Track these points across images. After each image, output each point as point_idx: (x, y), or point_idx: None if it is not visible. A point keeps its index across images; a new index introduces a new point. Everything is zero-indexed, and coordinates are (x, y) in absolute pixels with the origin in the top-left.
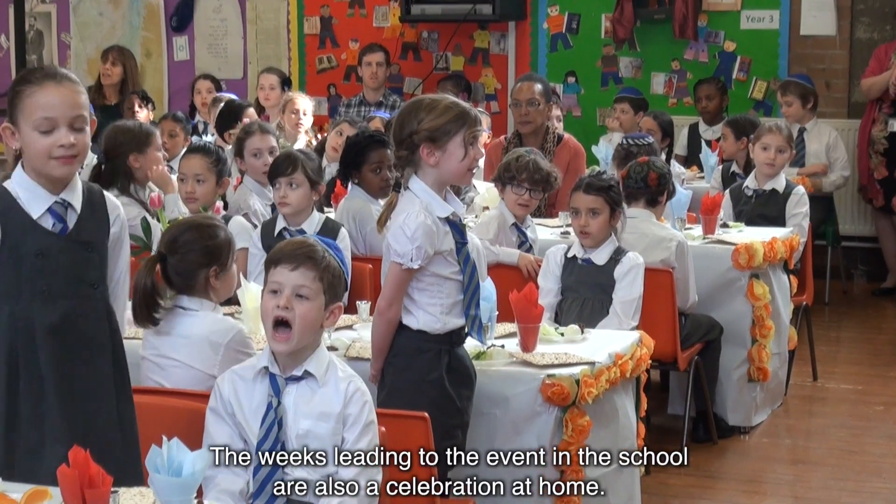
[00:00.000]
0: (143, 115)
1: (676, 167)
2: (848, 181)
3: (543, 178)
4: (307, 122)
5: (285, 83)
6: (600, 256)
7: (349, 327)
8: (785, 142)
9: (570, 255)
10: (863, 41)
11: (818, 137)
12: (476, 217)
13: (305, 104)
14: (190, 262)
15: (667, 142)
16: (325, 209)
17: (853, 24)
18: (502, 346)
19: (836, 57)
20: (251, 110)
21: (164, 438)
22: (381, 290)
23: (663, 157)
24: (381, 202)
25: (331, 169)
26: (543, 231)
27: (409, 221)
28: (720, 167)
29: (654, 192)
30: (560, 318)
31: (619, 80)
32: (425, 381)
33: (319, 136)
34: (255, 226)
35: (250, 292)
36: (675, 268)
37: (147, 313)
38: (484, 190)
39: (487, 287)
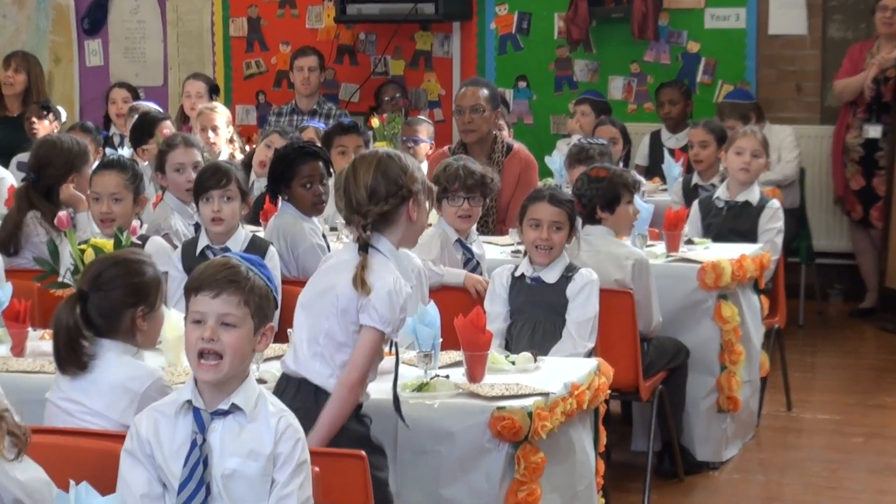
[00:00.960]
0: (43, 127)
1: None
2: (793, 184)
3: (478, 181)
4: (221, 138)
5: (213, 91)
6: (551, 274)
7: (279, 358)
8: (760, 146)
9: (517, 273)
10: (836, 40)
11: (778, 143)
12: None
13: (219, 119)
14: (114, 300)
15: (626, 148)
16: (252, 227)
17: (825, 23)
18: (447, 377)
19: (808, 58)
20: (167, 122)
21: (72, 483)
22: (352, 362)
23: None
24: (315, 220)
25: (259, 184)
26: (492, 250)
27: (398, 288)
28: (681, 179)
29: (605, 200)
30: (510, 345)
31: (575, 85)
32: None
33: (247, 147)
34: (176, 246)
35: (171, 320)
36: (633, 289)
37: (75, 357)
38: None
39: (430, 312)
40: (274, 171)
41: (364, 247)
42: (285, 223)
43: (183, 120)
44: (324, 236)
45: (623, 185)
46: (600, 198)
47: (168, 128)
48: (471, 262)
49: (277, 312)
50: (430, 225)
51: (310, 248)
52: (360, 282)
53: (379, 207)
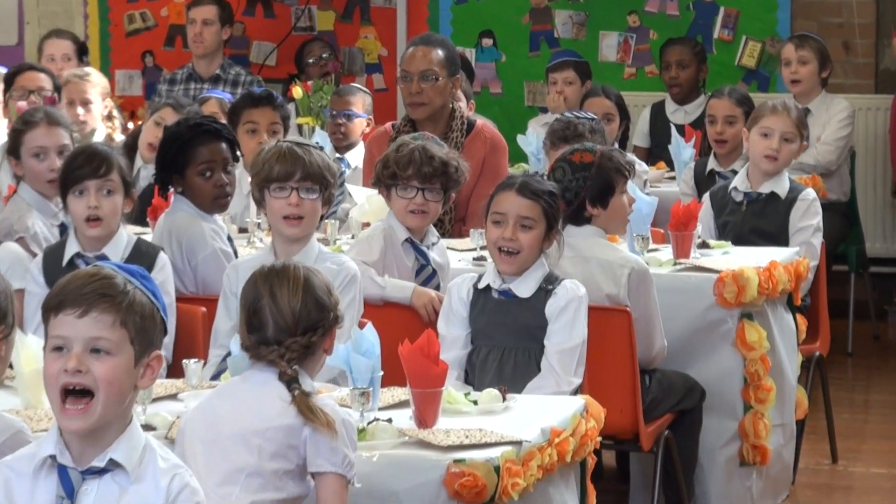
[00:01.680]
0: None
1: (636, 164)
2: (837, 171)
3: (438, 168)
4: (95, 113)
5: (82, 52)
6: (524, 287)
7: (173, 396)
8: (794, 126)
9: (480, 285)
10: None
11: (827, 119)
12: (353, 237)
13: (92, 90)
14: None
15: (623, 126)
16: (137, 229)
17: None
18: (388, 421)
19: (860, 7)
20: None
21: None
22: None
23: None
24: (218, 218)
25: (147, 173)
26: (450, 256)
27: (347, 418)
28: (692, 164)
29: (597, 192)
30: (472, 379)
31: (555, 43)
32: None
33: (131, 125)
34: (35, 255)
35: (28, 349)
36: (630, 306)
37: None
38: (363, 199)
39: (367, 337)
40: (164, 155)
41: (291, 383)
42: (179, 223)
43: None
44: (229, 239)
45: (616, 170)
46: (589, 190)
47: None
48: (424, 271)
49: (169, 339)
50: (368, 225)
51: (211, 256)
52: (324, 422)
53: (307, 338)
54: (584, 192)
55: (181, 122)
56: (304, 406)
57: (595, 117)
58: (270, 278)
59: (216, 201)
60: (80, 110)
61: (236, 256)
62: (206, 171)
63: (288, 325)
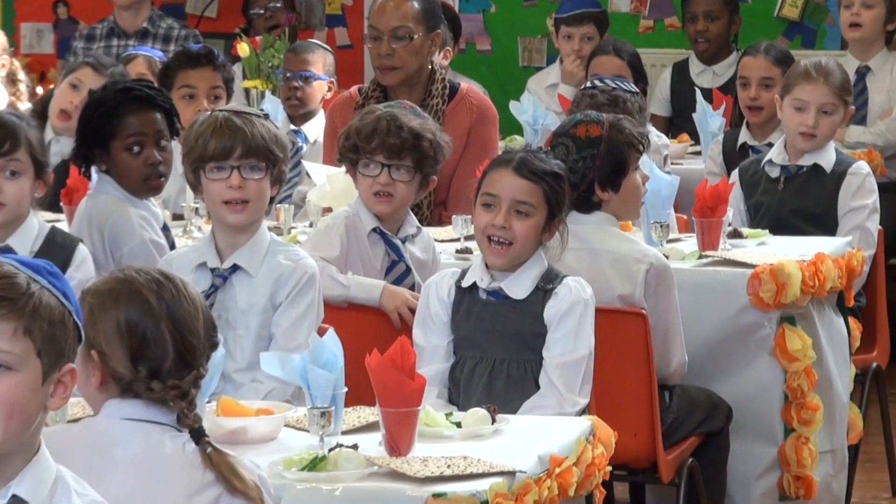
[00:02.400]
0: None
1: (654, 136)
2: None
3: (407, 141)
4: None
5: None
6: (519, 285)
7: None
8: (834, 96)
9: (465, 283)
10: None
11: (892, 83)
12: (311, 226)
13: None
14: None
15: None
16: (49, 216)
17: None
18: (354, 447)
19: None
20: None
21: None
22: None
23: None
24: (151, 204)
25: (60, 147)
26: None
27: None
28: (722, 136)
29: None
30: (456, 396)
31: None
32: None
33: (40, 89)
34: None
35: None
36: (646, 309)
37: None
38: (323, 179)
39: (328, 346)
40: (85, 125)
41: (202, 431)
42: (101, 208)
43: None
44: (165, 229)
45: (628, 144)
46: (598, 170)
47: None
48: (396, 269)
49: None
50: (329, 210)
51: (139, 248)
52: (254, 494)
53: (204, 370)
54: (592, 172)
55: (106, 86)
56: (225, 469)
57: (637, 90)
58: (164, 294)
59: (147, 183)
60: None
61: (171, 247)
62: (135, 146)
63: (193, 354)
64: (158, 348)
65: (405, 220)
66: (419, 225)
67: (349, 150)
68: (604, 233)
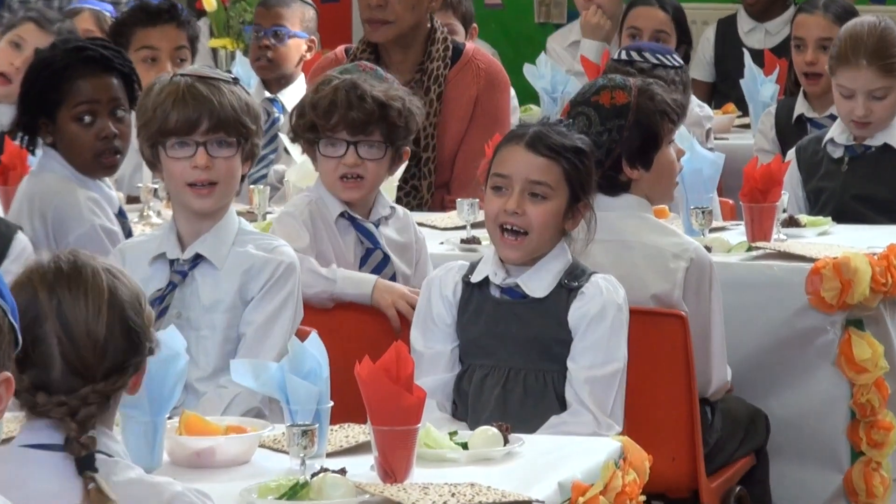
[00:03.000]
0: None
1: (694, 107)
2: None
3: (373, 112)
4: None
5: None
6: (538, 282)
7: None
8: (883, 77)
9: (475, 279)
10: None
11: None
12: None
13: None
14: None
15: (682, 50)
16: None
17: None
18: (341, 472)
19: None
20: None
21: None
22: None
23: None
24: (106, 185)
25: None
26: (429, 238)
27: None
28: (774, 106)
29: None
30: (462, 412)
31: None
32: None
33: None
34: None
35: None
36: (687, 312)
37: None
38: (302, 155)
39: (310, 352)
40: (28, 89)
41: (88, 462)
42: (45, 188)
43: None
44: (121, 214)
45: (661, 113)
46: (626, 144)
47: None
48: (372, 257)
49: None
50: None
51: (87, 235)
52: None
53: (111, 384)
54: (618, 147)
55: (57, 44)
56: None
57: (682, 64)
58: (58, 287)
59: (99, 159)
60: None
61: (126, 236)
62: (87, 115)
63: (85, 365)
64: (41, 353)
65: (376, 200)
66: (393, 204)
67: (305, 128)
68: (635, 220)
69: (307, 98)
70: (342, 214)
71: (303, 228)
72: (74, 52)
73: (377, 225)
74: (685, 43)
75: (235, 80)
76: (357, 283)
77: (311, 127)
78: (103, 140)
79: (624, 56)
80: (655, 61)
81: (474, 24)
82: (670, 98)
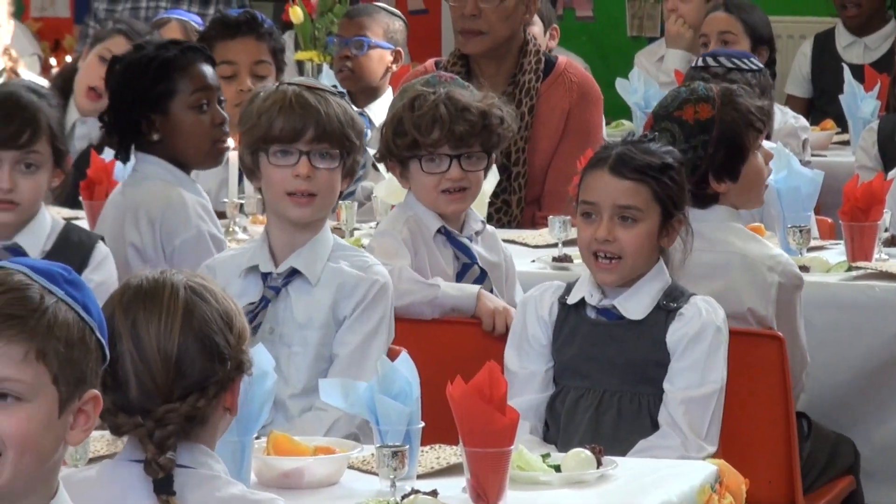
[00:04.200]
0: None
1: (789, 119)
2: None
3: (477, 123)
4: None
5: None
6: (636, 304)
7: (112, 458)
8: None
9: (571, 300)
10: None
11: None
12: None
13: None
14: None
15: (762, 57)
16: (65, 212)
17: None
18: (433, 494)
19: None
20: None
21: None
22: None
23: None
24: (202, 191)
25: (85, 129)
26: (520, 256)
27: None
28: (876, 123)
29: (725, 162)
30: (554, 434)
31: None
32: None
33: (54, 63)
34: None
35: None
36: (775, 328)
37: None
38: (389, 174)
39: (401, 371)
40: (129, 91)
41: (166, 484)
42: (150, 195)
43: None
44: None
45: (745, 123)
46: (712, 159)
47: None
48: (470, 272)
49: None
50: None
51: (194, 240)
52: None
53: (190, 405)
54: (704, 163)
55: (145, 44)
56: None
57: (761, 66)
58: (133, 306)
59: (216, 146)
60: None
61: (224, 245)
62: (203, 102)
63: (157, 384)
64: (119, 374)
65: (468, 214)
66: (483, 219)
67: (405, 146)
68: (727, 230)
69: (403, 116)
70: (439, 230)
71: (403, 247)
72: (176, 44)
73: (470, 240)
74: (766, 49)
75: (342, 94)
76: (461, 288)
77: (411, 144)
78: (218, 127)
79: (700, 63)
80: (731, 65)
81: (554, 25)
82: (754, 105)
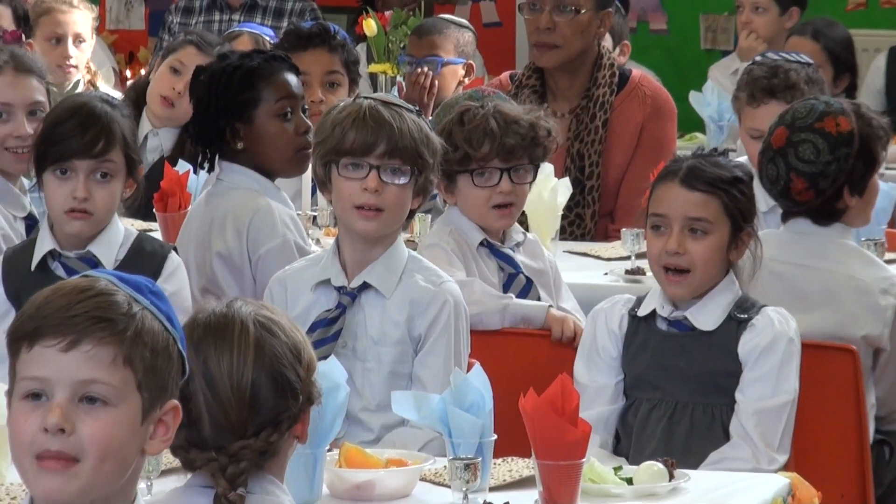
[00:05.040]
0: None
1: None
2: None
3: (527, 136)
4: (85, 54)
5: None
6: (707, 315)
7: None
8: None
9: (641, 312)
10: None
11: None
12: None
13: (79, 20)
14: None
15: (843, 83)
16: (139, 224)
17: None
18: None
19: None
20: None
21: None
22: None
23: None
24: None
25: (157, 141)
26: (592, 268)
27: None
28: None
29: (844, 176)
30: (626, 446)
31: None
32: None
33: (129, 76)
34: None
35: None
36: (886, 350)
37: None
38: None
39: (473, 383)
40: (213, 100)
41: None
42: (237, 204)
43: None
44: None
45: (878, 138)
46: (851, 171)
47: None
48: (515, 282)
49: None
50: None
51: (279, 249)
52: None
53: (263, 440)
54: (843, 175)
55: (229, 53)
56: None
57: (811, 62)
58: (204, 343)
59: (299, 154)
60: (71, 49)
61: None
62: (287, 111)
63: (231, 422)
64: (191, 410)
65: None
66: (524, 230)
67: (456, 162)
68: (840, 249)
69: (453, 129)
70: (481, 242)
71: (454, 257)
72: (255, 55)
73: (513, 251)
74: (848, 73)
75: (419, 112)
76: (530, 307)
77: (463, 159)
78: (303, 135)
79: (761, 59)
80: (776, 57)
81: (625, 41)
82: (883, 120)
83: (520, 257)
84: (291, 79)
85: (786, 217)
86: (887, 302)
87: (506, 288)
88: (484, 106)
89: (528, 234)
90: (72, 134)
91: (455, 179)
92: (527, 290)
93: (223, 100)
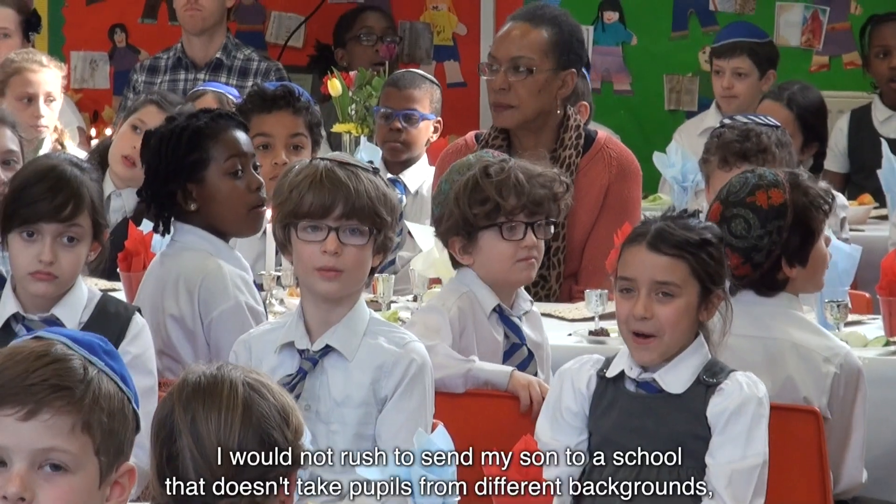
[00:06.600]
0: None
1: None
2: None
3: (549, 191)
4: (55, 113)
5: (30, 25)
6: (676, 378)
7: None
8: None
9: (610, 374)
10: None
11: None
12: (415, 300)
13: (49, 79)
14: None
15: (812, 150)
16: (102, 283)
17: None
18: None
19: None
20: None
21: None
22: None
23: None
24: (242, 259)
25: (120, 201)
26: (556, 329)
27: None
28: None
29: (790, 249)
30: None
31: (711, 19)
32: None
33: (93, 134)
34: None
35: None
36: (831, 415)
37: None
38: (429, 243)
39: (437, 444)
40: (163, 162)
41: None
42: (189, 266)
43: None
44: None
45: (815, 207)
46: (786, 243)
47: None
48: (518, 353)
49: (145, 437)
50: (437, 282)
51: (231, 311)
52: None
53: (248, 500)
54: (777, 248)
55: (177, 115)
56: None
57: (778, 124)
58: (193, 402)
59: (253, 212)
60: (42, 109)
61: (266, 316)
62: (238, 169)
63: (217, 479)
64: (178, 468)
65: (518, 293)
66: (531, 298)
67: (484, 215)
68: (785, 318)
69: (481, 182)
70: (495, 308)
71: (447, 326)
72: (205, 114)
73: (520, 319)
74: (816, 141)
75: (376, 171)
76: (494, 365)
77: (492, 211)
78: (255, 193)
79: (731, 121)
80: (746, 120)
81: (583, 102)
82: (819, 188)
83: (525, 329)
84: (241, 136)
85: (732, 290)
86: (828, 370)
87: (507, 356)
88: (505, 160)
89: (533, 306)
90: (41, 197)
91: (476, 237)
92: (527, 363)
93: (173, 162)
